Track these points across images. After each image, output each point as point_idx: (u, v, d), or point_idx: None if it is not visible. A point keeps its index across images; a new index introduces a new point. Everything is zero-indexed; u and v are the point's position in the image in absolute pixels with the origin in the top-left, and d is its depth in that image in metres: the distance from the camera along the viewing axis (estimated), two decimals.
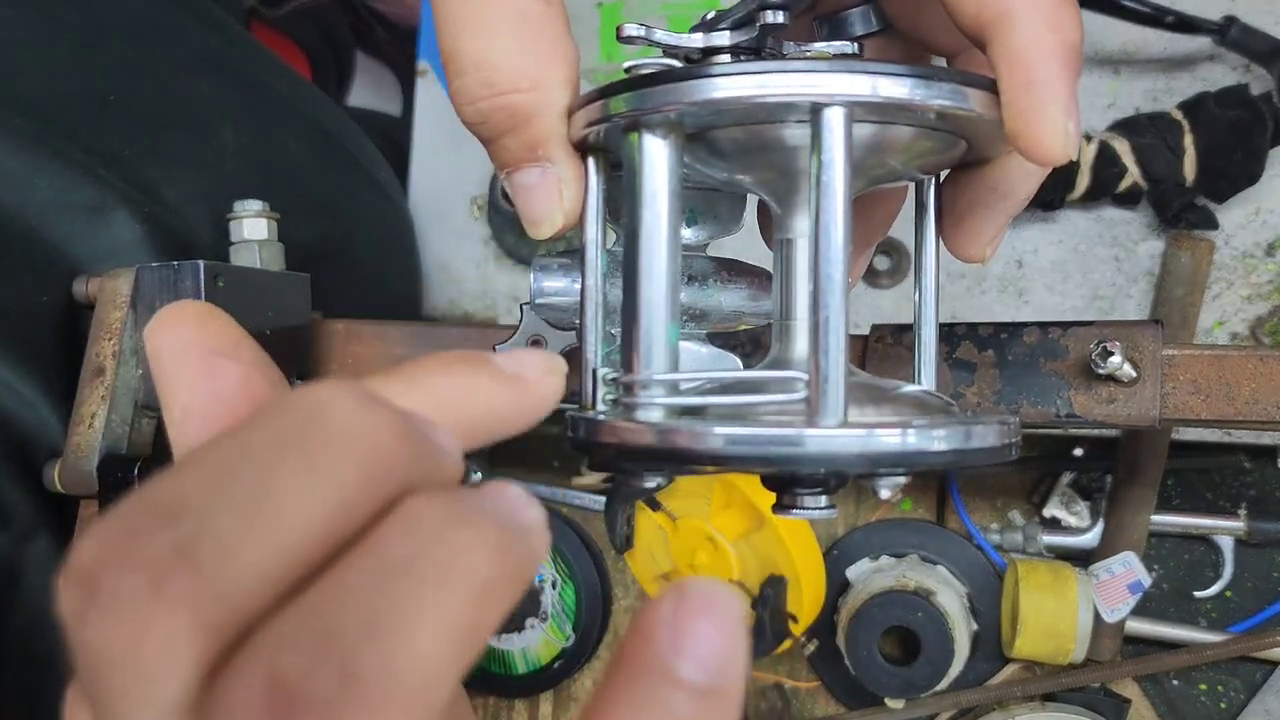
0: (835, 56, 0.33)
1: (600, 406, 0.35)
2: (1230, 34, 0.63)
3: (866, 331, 0.52)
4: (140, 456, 0.49)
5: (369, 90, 0.91)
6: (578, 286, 0.39)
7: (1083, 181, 0.65)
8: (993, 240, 0.39)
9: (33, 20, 0.55)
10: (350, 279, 0.70)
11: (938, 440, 0.30)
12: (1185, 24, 0.64)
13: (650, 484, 0.35)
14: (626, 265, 0.33)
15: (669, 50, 0.34)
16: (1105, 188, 0.65)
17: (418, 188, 0.81)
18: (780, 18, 0.33)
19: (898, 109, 0.30)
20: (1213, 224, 0.65)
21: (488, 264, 0.80)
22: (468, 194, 0.80)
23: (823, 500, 0.33)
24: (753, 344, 0.53)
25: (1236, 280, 0.66)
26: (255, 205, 0.56)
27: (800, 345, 0.37)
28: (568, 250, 0.40)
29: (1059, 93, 0.29)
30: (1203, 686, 0.69)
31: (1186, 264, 0.66)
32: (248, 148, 0.64)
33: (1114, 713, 0.68)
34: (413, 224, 0.80)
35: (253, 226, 0.56)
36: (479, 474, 0.82)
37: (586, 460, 0.35)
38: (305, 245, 0.61)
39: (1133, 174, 0.65)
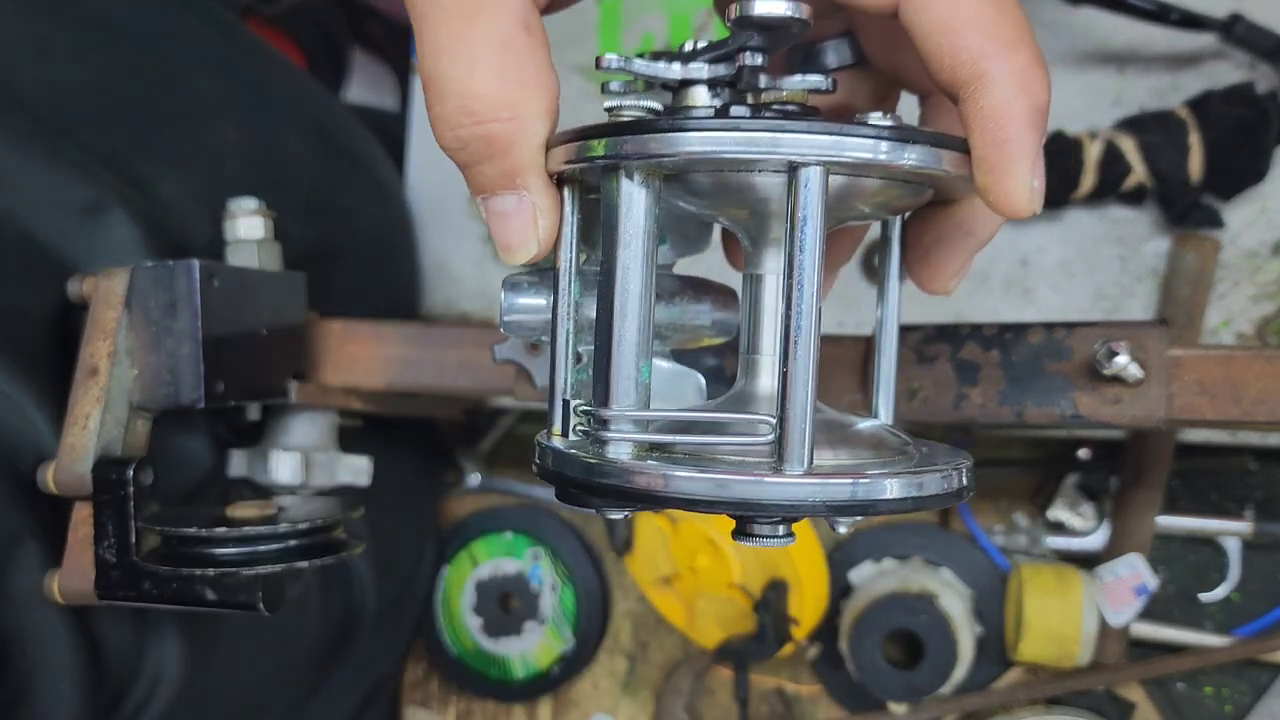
0: (809, 95, 0.33)
1: (571, 437, 0.36)
2: (1235, 31, 0.63)
3: (869, 333, 0.51)
4: (135, 458, 0.48)
5: (366, 86, 0.90)
6: (547, 304, 0.39)
7: (1088, 180, 0.65)
8: (957, 275, 0.40)
9: (32, 16, 0.54)
10: (348, 278, 0.69)
11: (892, 489, 0.32)
12: (1190, 21, 0.63)
13: (615, 515, 0.35)
14: (601, 302, 0.33)
15: (647, 79, 0.34)
16: (1110, 186, 0.65)
17: (415, 185, 0.80)
18: (759, 59, 0.33)
19: (873, 167, 0.31)
20: (1218, 222, 0.64)
21: (486, 263, 0.79)
22: (465, 193, 0.79)
23: (780, 530, 0.33)
24: None
25: (1243, 279, 0.65)
26: (250, 204, 0.56)
27: (764, 380, 0.37)
28: (538, 268, 0.40)
29: (1026, 152, 0.31)
30: (1208, 690, 0.68)
31: (1192, 263, 0.65)
32: (248, 145, 0.64)
33: (1119, 716, 0.67)
34: (412, 222, 0.79)
35: (248, 225, 0.55)
36: (478, 475, 0.81)
37: (555, 492, 0.36)
38: (303, 244, 0.60)
39: (1138, 172, 0.64)
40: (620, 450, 0.33)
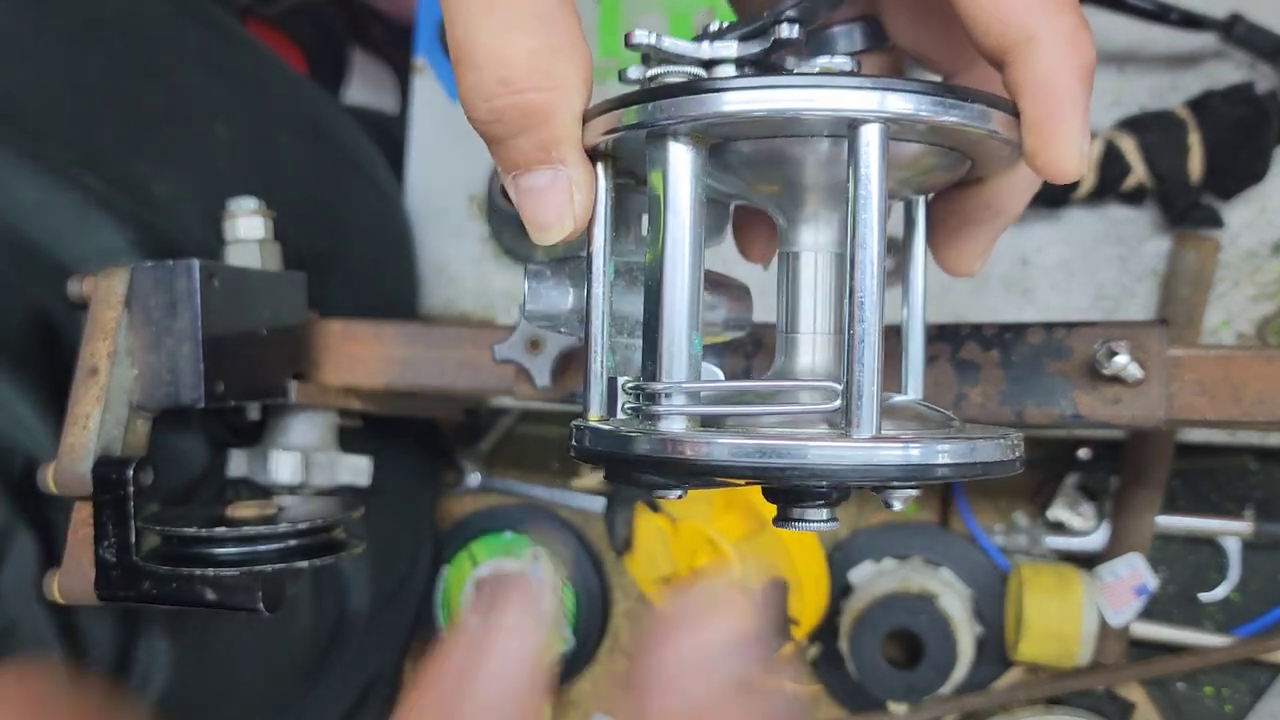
0: (851, 74, 0.33)
1: (620, 415, 0.35)
2: (1235, 31, 0.63)
3: None
4: (135, 458, 0.48)
5: (366, 87, 0.91)
6: (570, 294, 0.39)
7: (1088, 179, 0.65)
8: (982, 256, 0.39)
9: (22, 15, 0.54)
10: (346, 279, 0.69)
11: (951, 455, 0.31)
12: (1190, 21, 0.63)
13: (673, 494, 0.34)
14: (650, 273, 0.32)
15: (676, 59, 0.33)
16: (1110, 186, 0.65)
17: (414, 186, 0.81)
18: (795, 32, 0.33)
19: (927, 126, 0.30)
20: (1218, 222, 0.64)
21: (485, 263, 0.79)
22: (465, 192, 0.80)
23: (824, 514, 0.33)
24: (754, 344, 0.52)
25: (1242, 279, 0.65)
26: (250, 203, 0.56)
27: (804, 358, 0.36)
28: (560, 258, 0.40)
29: (1078, 114, 0.30)
30: (1208, 690, 0.68)
31: (1192, 263, 0.65)
32: (242, 145, 0.64)
33: (1119, 716, 0.67)
34: (410, 223, 0.79)
35: (248, 225, 0.55)
36: (477, 475, 0.81)
37: (604, 473, 0.35)
38: (300, 244, 0.60)
39: (1138, 172, 0.64)
40: (674, 424, 0.32)
